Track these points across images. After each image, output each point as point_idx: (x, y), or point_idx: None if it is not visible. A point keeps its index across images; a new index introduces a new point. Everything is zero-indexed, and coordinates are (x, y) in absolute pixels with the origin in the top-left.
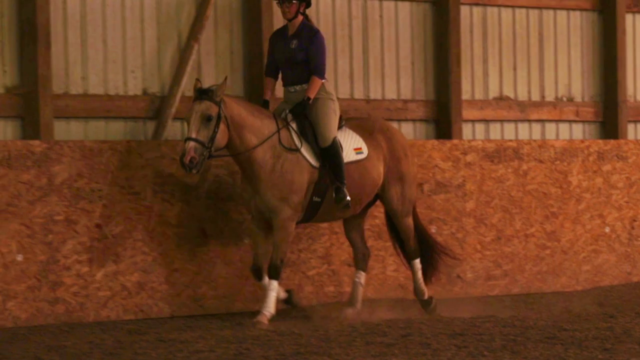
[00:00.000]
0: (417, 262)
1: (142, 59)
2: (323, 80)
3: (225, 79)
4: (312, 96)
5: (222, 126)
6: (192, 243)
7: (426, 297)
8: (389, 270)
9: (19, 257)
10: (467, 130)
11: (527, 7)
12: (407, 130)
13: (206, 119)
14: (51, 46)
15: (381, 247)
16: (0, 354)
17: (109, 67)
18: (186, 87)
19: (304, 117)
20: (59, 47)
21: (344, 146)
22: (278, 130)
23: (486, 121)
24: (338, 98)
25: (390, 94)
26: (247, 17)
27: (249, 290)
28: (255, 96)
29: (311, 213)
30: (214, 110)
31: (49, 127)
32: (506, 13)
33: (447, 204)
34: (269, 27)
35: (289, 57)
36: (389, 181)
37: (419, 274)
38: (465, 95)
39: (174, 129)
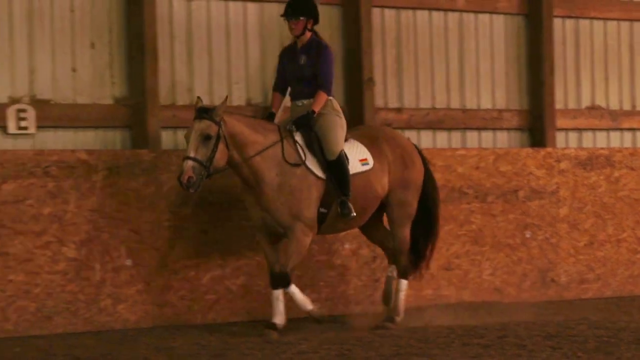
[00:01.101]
0: (404, 283)
1: (246, 71)
2: (330, 97)
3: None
4: (317, 110)
5: (221, 146)
6: None
7: (398, 319)
8: (485, 274)
9: (129, 262)
10: (560, 138)
11: (618, 20)
12: (502, 138)
13: (205, 138)
14: (158, 59)
15: (477, 252)
16: (110, 354)
17: (214, 78)
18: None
19: (310, 129)
20: (166, 60)
21: (349, 157)
22: (281, 140)
23: (579, 130)
24: (434, 108)
25: (486, 104)
26: (345, 29)
27: (350, 293)
28: (355, 105)
29: (317, 224)
30: (213, 129)
31: (156, 136)
32: (598, 25)
33: (541, 210)
34: (367, 39)
35: (298, 73)
36: (393, 188)
37: (402, 295)
38: (559, 105)
39: None
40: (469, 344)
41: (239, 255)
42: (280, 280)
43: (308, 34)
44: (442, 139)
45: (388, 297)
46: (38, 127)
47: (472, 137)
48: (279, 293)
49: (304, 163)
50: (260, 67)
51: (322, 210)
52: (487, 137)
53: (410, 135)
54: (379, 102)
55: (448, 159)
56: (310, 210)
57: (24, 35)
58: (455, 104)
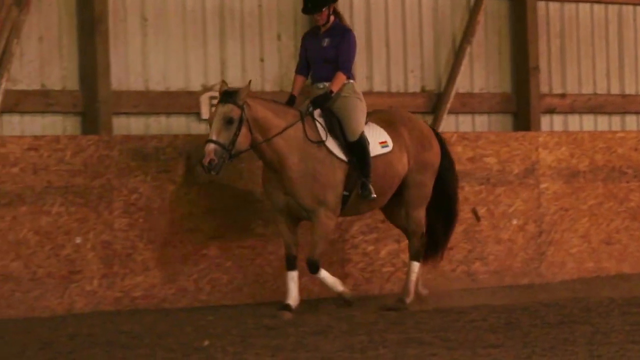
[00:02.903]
0: (416, 265)
1: (421, 59)
2: (351, 80)
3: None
4: (335, 89)
5: (243, 129)
6: (466, 224)
7: (408, 300)
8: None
9: None
10: None
11: None
12: None
13: (228, 121)
14: None
15: (636, 227)
16: (295, 322)
17: (391, 67)
18: (460, 84)
19: (331, 113)
20: None
21: (370, 140)
22: (301, 119)
23: None
24: (596, 94)
25: None
26: (514, 20)
27: (517, 266)
28: (521, 91)
29: (340, 206)
30: (236, 113)
31: None
32: None
33: None
34: (533, 30)
35: (320, 55)
36: (411, 170)
37: (414, 277)
38: None
39: (448, 123)
40: (629, 312)
41: None
42: (310, 266)
43: (332, 19)
44: (602, 122)
45: (407, 291)
46: None
47: (631, 121)
48: (294, 274)
49: (324, 143)
50: (435, 55)
51: (345, 192)
52: None
53: (573, 119)
54: (544, 88)
55: (609, 141)
56: (334, 195)
57: (216, 28)
58: (615, 89)
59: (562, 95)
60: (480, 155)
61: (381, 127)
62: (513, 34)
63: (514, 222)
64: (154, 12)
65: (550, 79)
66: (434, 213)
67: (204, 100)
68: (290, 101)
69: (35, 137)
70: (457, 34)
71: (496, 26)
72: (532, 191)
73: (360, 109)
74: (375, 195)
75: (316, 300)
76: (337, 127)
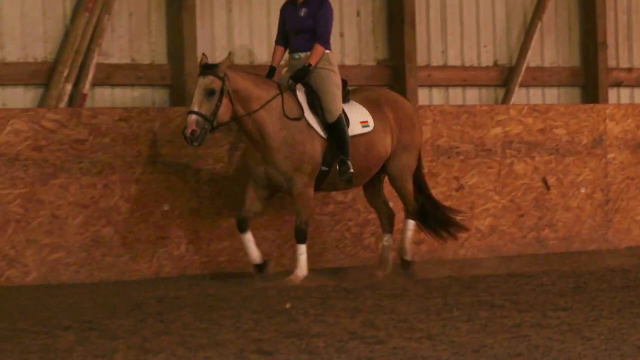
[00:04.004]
0: (411, 223)
1: (493, 35)
2: (327, 51)
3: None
4: (313, 63)
5: (225, 100)
6: (536, 192)
7: (408, 258)
8: None
9: (390, 205)
10: None
11: None
12: None
13: (209, 93)
14: (415, 25)
15: None
16: (374, 285)
17: (465, 42)
18: (531, 58)
19: (311, 89)
20: (422, 26)
21: (350, 119)
22: (281, 93)
23: None
24: None
25: None
26: None
27: (585, 233)
28: (590, 65)
29: (319, 182)
30: (217, 84)
31: (414, 94)
32: None
33: None
34: (601, 5)
35: (297, 25)
36: (396, 150)
37: (409, 233)
38: None
39: (520, 96)
40: None
41: (486, 199)
42: (298, 234)
43: None
44: None
45: (382, 264)
46: None
47: None
48: (247, 235)
49: (302, 117)
50: (507, 30)
51: (324, 168)
52: None
53: (639, 92)
54: (611, 62)
55: None
56: (312, 163)
57: None
58: None
59: (629, 70)
60: (550, 126)
61: (365, 106)
62: (582, 10)
63: (582, 190)
64: None
65: (618, 53)
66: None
67: (286, 73)
68: (270, 72)
69: (126, 109)
70: (528, 10)
71: (566, 3)
72: (599, 161)
73: (335, 85)
74: (352, 171)
75: (393, 265)
76: (317, 104)
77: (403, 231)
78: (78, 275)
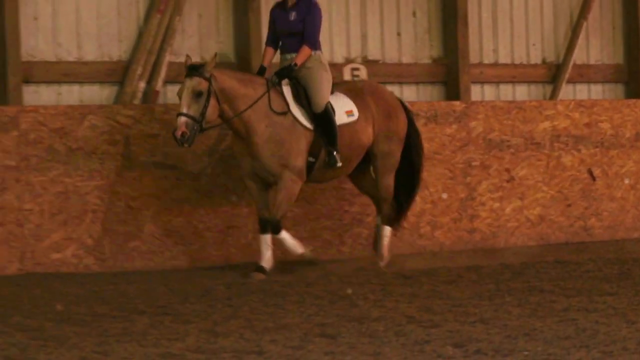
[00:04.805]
0: (387, 229)
1: (542, 34)
2: (317, 52)
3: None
4: (299, 62)
5: (212, 101)
6: (583, 183)
7: (382, 263)
8: None
9: (444, 195)
10: None
11: None
12: None
13: (196, 94)
14: (468, 25)
15: None
16: (430, 270)
17: (514, 41)
18: (577, 56)
19: (298, 82)
20: (474, 25)
21: (336, 109)
22: (267, 92)
23: None
24: None
25: None
26: None
27: (629, 222)
28: (632, 63)
29: (306, 173)
30: (204, 85)
31: (466, 90)
32: None
33: None
34: None
35: (288, 28)
36: (378, 139)
37: (386, 241)
38: None
39: (566, 92)
40: None
41: (535, 190)
42: (271, 227)
43: None
44: None
45: (377, 244)
46: None
47: None
48: (267, 238)
49: (289, 112)
50: (554, 30)
51: (311, 159)
52: None
53: None
54: None
55: None
56: (299, 160)
57: (357, 5)
58: None
59: None
60: (596, 120)
61: (349, 97)
62: (625, 10)
63: (626, 181)
64: None
65: None
66: (399, 180)
67: (347, 71)
68: (261, 71)
69: None
70: (574, 10)
71: (610, 3)
72: None
73: (325, 79)
74: (340, 164)
75: (448, 252)
76: (303, 96)
77: (378, 237)
78: (152, 262)
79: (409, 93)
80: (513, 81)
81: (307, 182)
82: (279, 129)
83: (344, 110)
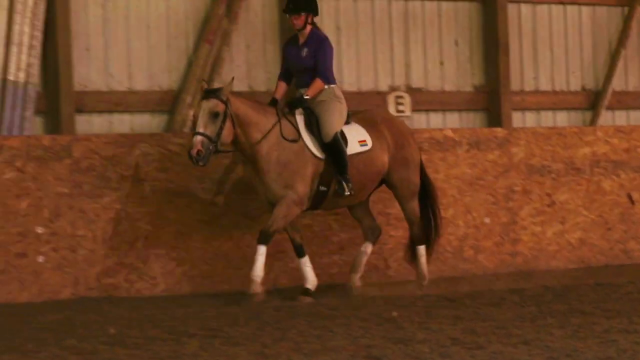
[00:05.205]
0: (422, 248)
1: (581, 61)
2: (331, 85)
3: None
4: (310, 94)
5: (227, 123)
6: (622, 207)
7: (425, 282)
8: None
9: (487, 220)
10: None
11: None
12: None
13: (213, 115)
14: (509, 53)
15: None
16: (469, 295)
17: (554, 68)
18: (616, 83)
19: (311, 112)
20: (515, 54)
21: (349, 139)
22: (279, 121)
23: None
24: None
25: None
26: None
27: None
28: None
29: (319, 201)
30: (220, 107)
31: (508, 117)
32: None
33: None
34: None
35: (301, 65)
36: (394, 168)
37: (423, 259)
38: None
39: (606, 118)
40: None
41: (576, 214)
42: (262, 236)
43: (309, 28)
44: None
45: (355, 267)
46: (413, 111)
47: None
48: (305, 260)
49: (301, 138)
50: (593, 58)
51: (322, 188)
52: None
53: None
54: None
55: None
56: (303, 185)
57: (401, 35)
58: None
59: None
60: (635, 146)
61: (364, 127)
62: None
63: None
64: (346, 22)
65: None
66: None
67: (391, 99)
68: (272, 103)
69: None
70: (612, 39)
71: None
72: None
73: (337, 111)
74: (349, 193)
75: (491, 275)
76: (314, 126)
77: (416, 258)
78: (202, 286)
79: (451, 120)
80: (553, 108)
81: (322, 209)
82: (288, 152)
83: (357, 139)
